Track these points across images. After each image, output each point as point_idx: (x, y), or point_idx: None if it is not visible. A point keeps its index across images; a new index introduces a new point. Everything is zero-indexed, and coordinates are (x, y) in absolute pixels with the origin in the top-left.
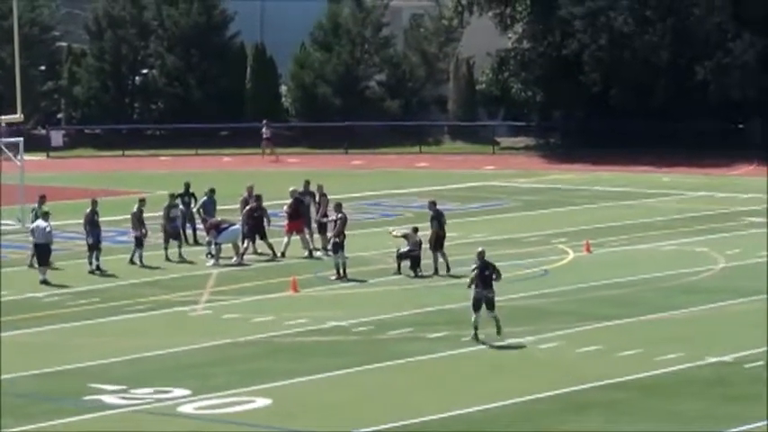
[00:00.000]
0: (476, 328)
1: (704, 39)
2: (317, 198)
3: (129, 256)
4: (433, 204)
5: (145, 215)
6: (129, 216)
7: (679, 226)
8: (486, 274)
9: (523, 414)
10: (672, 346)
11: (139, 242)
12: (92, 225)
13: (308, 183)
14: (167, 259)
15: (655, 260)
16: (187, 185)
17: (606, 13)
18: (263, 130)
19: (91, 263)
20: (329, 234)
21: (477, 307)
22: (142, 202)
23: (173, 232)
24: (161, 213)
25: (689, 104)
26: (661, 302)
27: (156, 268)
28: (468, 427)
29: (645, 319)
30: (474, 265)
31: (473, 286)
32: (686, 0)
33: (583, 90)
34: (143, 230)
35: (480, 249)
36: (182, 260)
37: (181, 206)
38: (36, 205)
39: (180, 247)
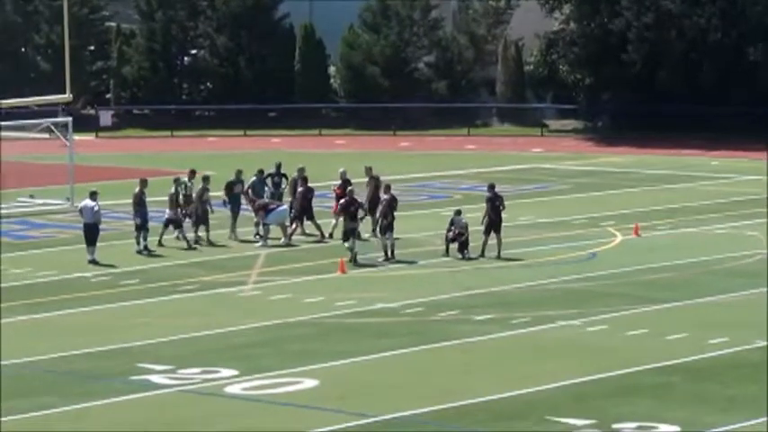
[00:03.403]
0: (351, 251)
1: (756, 20)
2: (367, 180)
3: (173, 236)
4: (491, 187)
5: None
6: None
7: (729, 209)
8: (351, 210)
9: (572, 397)
10: (720, 330)
11: (176, 223)
12: (140, 205)
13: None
14: (196, 242)
15: (703, 244)
16: (278, 165)
17: None
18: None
19: (139, 242)
20: (377, 215)
21: (346, 237)
22: (177, 181)
23: (203, 216)
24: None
25: (738, 87)
26: (709, 286)
27: (204, 248)
28: (516, 408)
29: (693, 303)
30: (342, 201)
31: (341, 219)
32: None
33: (629, 73)
34: (180, 210)
35: (350, 188)
36: (211, 244)
37: (271, 186)
38: (186, 179)
39: (208, 231)
